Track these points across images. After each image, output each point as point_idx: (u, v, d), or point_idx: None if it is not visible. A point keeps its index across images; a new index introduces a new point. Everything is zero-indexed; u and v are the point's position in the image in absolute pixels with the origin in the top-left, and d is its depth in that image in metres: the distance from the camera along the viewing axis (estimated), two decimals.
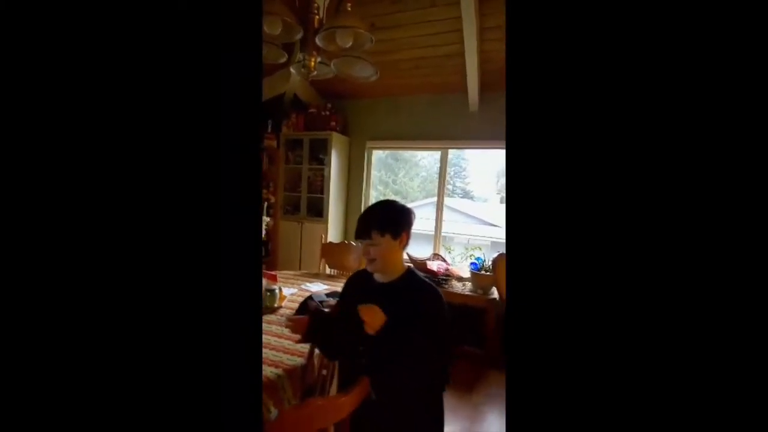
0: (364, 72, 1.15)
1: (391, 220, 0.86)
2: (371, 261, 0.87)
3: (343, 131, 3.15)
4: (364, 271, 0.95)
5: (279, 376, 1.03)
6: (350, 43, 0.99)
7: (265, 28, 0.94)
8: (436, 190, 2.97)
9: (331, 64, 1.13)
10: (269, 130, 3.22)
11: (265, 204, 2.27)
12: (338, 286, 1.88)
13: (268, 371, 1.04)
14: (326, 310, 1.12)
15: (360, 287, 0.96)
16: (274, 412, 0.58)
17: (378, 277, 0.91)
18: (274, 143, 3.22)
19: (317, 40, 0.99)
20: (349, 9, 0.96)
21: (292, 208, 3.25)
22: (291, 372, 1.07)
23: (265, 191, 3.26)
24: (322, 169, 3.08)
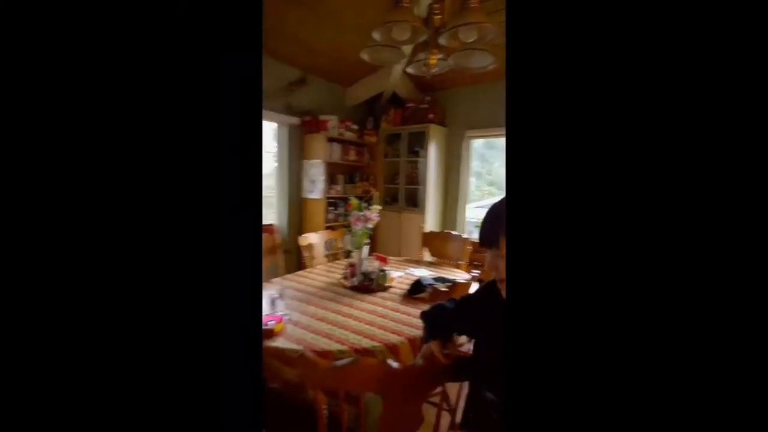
0: (482, 62, 1.17)
1: None
2: (504, 280, 0.64)
3: (441, 122, 3.19)
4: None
5: (402, 342, 1.19)
6: (474, 38, 1.03)
7: (395, 36, 1.05)
8: None
9: (449, 59, 1.19)
10: (370, 127, 3.47)
11: (377, 196, 2.50)
12: (442, 273, 1.97)
13: (392, 338, 1.20)
14: (444, 289, 1.22)
15: (498, 309, 0.70)
16: (418, 361, 0.69)
17: None
18: (374, 139, 3.47)
19: (441, 40, 1.06)
20: (475, 5, 1.00)
21: (391, 200, 3.46)
22: (412, 341, 1.21)
23: (366, 184, 3.55)
24: (418, 161, 3.19)
